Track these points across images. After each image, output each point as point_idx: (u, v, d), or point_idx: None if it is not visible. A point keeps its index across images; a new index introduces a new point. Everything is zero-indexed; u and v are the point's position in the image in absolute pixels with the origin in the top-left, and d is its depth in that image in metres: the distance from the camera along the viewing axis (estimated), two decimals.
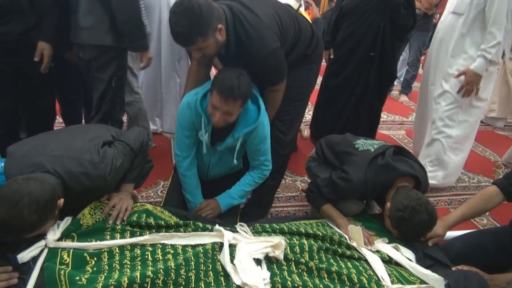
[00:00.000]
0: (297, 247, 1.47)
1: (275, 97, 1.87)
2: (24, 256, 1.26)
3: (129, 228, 1.44)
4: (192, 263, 1.31)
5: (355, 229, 1.70)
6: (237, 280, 1.29)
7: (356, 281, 1.37)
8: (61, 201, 1.31)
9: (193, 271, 1.29)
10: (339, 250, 1.54)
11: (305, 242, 1.51)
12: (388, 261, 1.57)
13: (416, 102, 4.24)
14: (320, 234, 1.60)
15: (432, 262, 1.63)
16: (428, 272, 1.46)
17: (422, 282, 1.44)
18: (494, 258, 1.72)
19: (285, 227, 1.60)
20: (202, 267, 1.32)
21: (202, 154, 1.86)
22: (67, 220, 1.42)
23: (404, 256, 1.60)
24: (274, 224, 1.62)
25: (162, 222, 1.50)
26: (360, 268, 1.47)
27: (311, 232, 1.59)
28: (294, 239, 1.53)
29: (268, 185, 2.05)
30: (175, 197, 1.94)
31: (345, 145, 1.98)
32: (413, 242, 1.69)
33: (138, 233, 1.44)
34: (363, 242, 1.65)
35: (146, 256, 1.33)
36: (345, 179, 1.75)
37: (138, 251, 1.35)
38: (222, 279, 1.32)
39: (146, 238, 1.39)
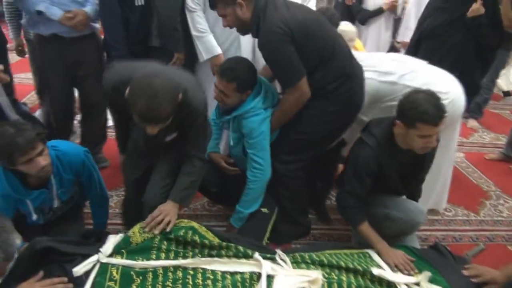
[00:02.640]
0: (335, 283, 1.46)
1: (284, 100, 1.87)
2: (79, 270, 1.38)
3: (173, 248, 1.52)
4: None
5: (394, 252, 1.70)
6: None
7: None
8: (180, 96, 1.48)
9: None
10: None
11: (344, 278, 1.49)
12: None
13: (487, 127, 4.00)
14: (361, 269, 1.57)
15: None
16: None
17: None
18: None
19: (324, 259, 1.59)
20: None
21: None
22: (119, 237, 1.54)
23: None
24: (314, 255, 1.62)
25: (207, 242, 1.55)
26: None
27: (352, 266, 1.58)
28: (333, 273, 1.52)
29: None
30: None
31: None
32: None
33: (181, 253, 1.51)
34: (403, 268, 1.63)
35: (187, 280, 1.40)
36: (356, 157, 1.81)
37: (180, 274, 1.42)
38: None
39: (188, 261, 1.46)
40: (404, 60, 2.20)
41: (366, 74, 1.99)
